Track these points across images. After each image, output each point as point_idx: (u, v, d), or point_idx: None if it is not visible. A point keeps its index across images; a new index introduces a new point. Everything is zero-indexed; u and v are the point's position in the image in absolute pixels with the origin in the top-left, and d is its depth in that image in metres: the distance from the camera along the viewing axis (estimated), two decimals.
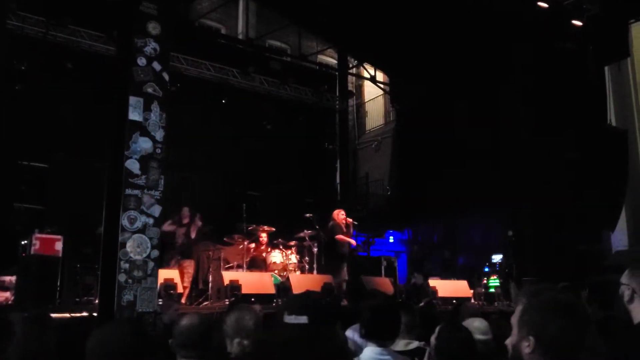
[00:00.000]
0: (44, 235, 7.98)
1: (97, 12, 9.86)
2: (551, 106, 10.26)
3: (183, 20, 11.84)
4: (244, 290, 8.07)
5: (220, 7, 14.75)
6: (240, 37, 15.10)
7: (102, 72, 9.01)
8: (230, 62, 12.35)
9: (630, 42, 12.43)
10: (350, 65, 14.92)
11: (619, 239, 14.88)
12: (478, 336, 3.70)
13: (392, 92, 14.58)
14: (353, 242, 10.20)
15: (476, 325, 3.73)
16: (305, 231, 10.47)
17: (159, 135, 6.26)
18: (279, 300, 8.19)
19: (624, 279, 2.48)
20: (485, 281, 11.80)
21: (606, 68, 11.89)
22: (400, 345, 3.72)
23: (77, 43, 10.36)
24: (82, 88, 9.90)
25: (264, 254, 9.90)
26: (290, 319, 1.82)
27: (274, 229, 10.19)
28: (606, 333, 3.47)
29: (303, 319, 1.82)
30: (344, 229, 9.98)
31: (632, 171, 12.91)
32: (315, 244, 10.45)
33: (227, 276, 8.37)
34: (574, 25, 9.91)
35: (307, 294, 2.04)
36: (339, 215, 10.10)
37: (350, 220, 10.20)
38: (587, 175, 10.06)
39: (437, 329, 3.54)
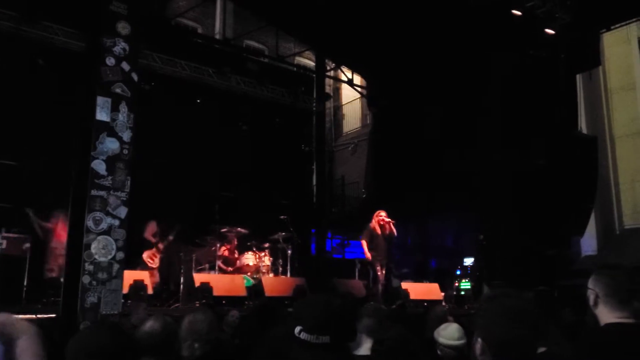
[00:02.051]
0: (11, 235, 7.86)
1: (70, 8, 9.71)
2: (523, 113, 10.40)
3: (159, 19, 11.72)
4: (216, 293, 8.04)
5: (197, 6, 14.67)
6: (217, 36, 15.02)
7: (75, 69, 8.87)
8: (206, 62, 12.24)
9: (601, 51, 12.69)
10: (328, 68, 14.93)
11: (588, 243, 15.19)
12: (449, 342, 3.70)
13: (369, 96, 14.63)
14: (367, 255, 9.75)
15: (444, 333, 3.72)
16: (280, 233, 10.46)
17: (127, 136, 6.20)
18: (250, 302, 8.17)
19: (590, 283, 2.53)
20: (457, 284, 11.93)
21: (578, 76, 12.11)
22: (365, 349, 3.72)
23: (50, 39, 10.20)
24: (53, 85, 9.75)
25: (236, 256, 9.86)
26: (308, 337, 1.62)
27: (247, 231, 10.16)
28: (575, 337, 3.53)
29: (325, 339, 1.62)
30: (378, 231, 9.77)
31: (601, 177, 13.18)
32: (290, 246, 10.45)
33: (198, 278, 8.32)
34: (547, 34, 10.06)
35: (328, 304, 1.70)
36: (377, 216, 9.90)
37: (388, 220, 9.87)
38: (557, 181, 10.21)
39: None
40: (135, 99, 6.35)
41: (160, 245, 9.40)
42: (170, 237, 9.48)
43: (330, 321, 1.63)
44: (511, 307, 1.77)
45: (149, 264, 9.24)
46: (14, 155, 9.49)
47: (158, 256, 9.35)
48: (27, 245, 7.88)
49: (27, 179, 9.14)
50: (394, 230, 9.80)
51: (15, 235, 7.93)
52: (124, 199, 6.10)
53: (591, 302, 2.46)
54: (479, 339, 1.78)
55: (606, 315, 2.41)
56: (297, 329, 1.63)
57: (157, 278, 9.02)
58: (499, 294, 1.86)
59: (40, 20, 9.91)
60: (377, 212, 10.02)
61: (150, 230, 9.48)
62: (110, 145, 6.08)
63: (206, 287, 8.00)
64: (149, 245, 9.35)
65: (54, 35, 10.21)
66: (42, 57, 10.06)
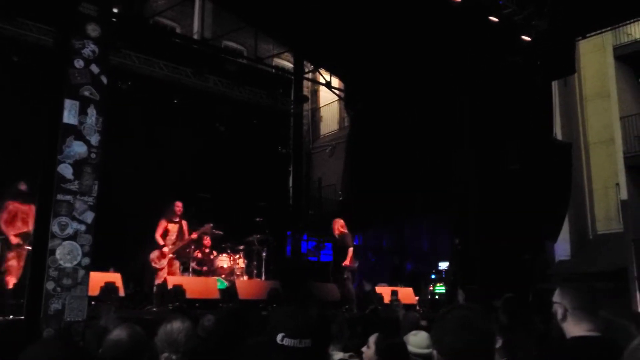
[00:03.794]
0: None
1: (42, 6, 9.57)
2: (498, 118, 10.49)
3: (136, 17, 11.59)
4: (189, 295, 7.96)
5: (176, 5, 14.55)
6: (195, 36, 14.92)
7: (48, 67, 8.73)
8: (184, 62, 12.13)
9: (577, 59, 12.85)
10: (306, 70, 14.93)
11: (562, 248, 15.41)
12: (417, 350, 3.71)
13: (346, 98, 14.65)
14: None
15: (413, 341, 3.73)
16: (255, 235, 10.40)
17: (95, 139, 6.08)
18: (224, 305, 8.09)
19: (556, 297, 2.54)
20: (431, 288, 11.99)
21: (553, 82, 12.25)
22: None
23: (24, 36, 10.03)
24: (26, 82, 9.59)
25: (211, 258, 9.78)
26: (291, 342, 1.63)
27: (222, 233, 10.08)
28: (545, 347, 3.55)
29: (307, 342, 1.65)
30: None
31: (575, 183, 13.35)
32: (265, 248, 10.40)
33: (171, 280, 8.24)
34: (524, 40, 10.15)
35: (306, 310, 1.76)
36: (336, 223, 10.08)
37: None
38: (531, 187, 10.31)
39: (370, 340, 3.54)
40: (104, 102, 6.23)
41: (172, 246, 9.32)
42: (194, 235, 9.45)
43: (311, 325, 1.67)
44: (462, 317, 1.82)
45: (154, 264, 9.16)
46: None
47: (166, 257, 9.26)
48: None
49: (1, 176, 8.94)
50: (349, 242, 9.90)
51: None
52: (91, 203, 5.97)
53: (559, 316, 2.47)
54: (434, 350, 1.84)
55: (573, 328, 2.43)
56: (279, 336, 1.64)
57: (160, 280, 8.94)
58: (454, 307, 1.92)
59: (15, 16, 9.75)
60: (336, 220, 10.21)
61: (161, 230, 9.38)
62: (78, 149, 5.94)
63: (179, 290, 7.91)
64: (157, 246, 9.30)
65: (28, 32, 10.05)
66: (16, 54, 9.92)
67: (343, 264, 9.64)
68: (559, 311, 2.48)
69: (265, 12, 11.50)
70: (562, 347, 2.47)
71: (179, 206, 9.55)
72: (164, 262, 9.25)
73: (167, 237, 9.39)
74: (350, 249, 9.75)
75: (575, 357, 2.36)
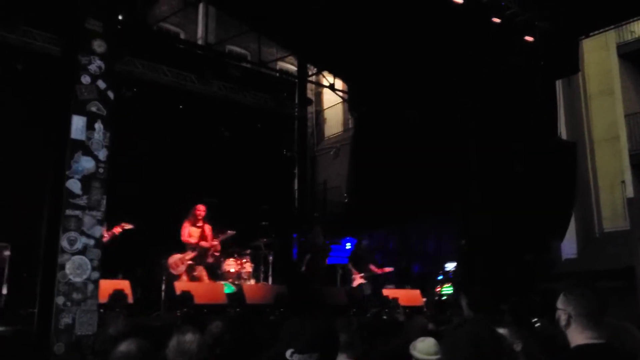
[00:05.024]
0: None
1: (48, 17, 9.62)
2: (502, 119, 10.49)
3: (141, 24, 11.65)
4: (197, 301, 7.98)
5: (179, 11, 14.62)
6: (199, 42, 14.97)
7: (54, 75, 8.77)
8: (188, 67, 12.19)
9: (580, 57, 12.84)
10: (310, 73, 14.96)
11: (569, 247, 15.37)
12: (425, 357, 3.66)
13: (350, 100, 14.67)
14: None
15: (420, 347, 3.69)
16: (262, 239, 10.44)
17: (102, 154, 6.14)
18: (231, 310, 8.13)
19: (560, 303, 2.49)
20: (438, 289, 11.97)
21: (557, 81, 12.24)
22: None
23: (29, 44, 10.09)
24: (31, 91, 9.63)
25: (218, 262, 9.80)
26: (299, 357, 1.70)
27: (234, 232, 10.07)
28: (552, 350, 3.54)
29: (315, 357, 1.72)
30: None
31: (581, 182, 13.35)
32: (271, 252, 10.43)
33: (179, 286, 8.26)
34: (526, 41, 10.16)
35: (315, 324, 1.83)
36: None
37: None
38: (537, 187, 10.30)
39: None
40: (111, 118, 6.30)
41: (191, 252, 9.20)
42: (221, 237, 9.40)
43: (319, 339, 1.74)
44: (472, 333, 1.85)
45: (172, 270, 9.02)
46: None
47: (185, 263, 9.13)
48: (7, 253, 7.79)
49: (5, 185, 9.00)
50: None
51: None
52: (100, 218, 6.04)
53: (563, 322, 2.43)
54: None
55: (577, 335, 2.40)
56: (289, 352, 1.72)
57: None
58: (464, 321, 1.92)
59: (20, 25, 9.81)
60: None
61: (186, 233, 9.27)
62: (86, 164, 6.01)
63: (187, 296, 7.94)
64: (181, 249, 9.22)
65: (33, 40, 10.10)
66: (20, 63, 9.96)
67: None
68: (562, 317, 2.45)
69: (269, 16, 11.53)
70: (568, 356, 2.46)
71: (200, 209, 9.37)
72: (183, 267, 9.09)
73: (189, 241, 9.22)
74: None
75: None
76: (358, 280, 10.60)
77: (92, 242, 5.94)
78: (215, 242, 9.39)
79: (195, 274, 9.20)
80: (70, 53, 6.33)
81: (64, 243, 5.73)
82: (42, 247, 5.95)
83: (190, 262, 9.19)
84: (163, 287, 8.95)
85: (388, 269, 11.04)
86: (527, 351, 3.27)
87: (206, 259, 9.45)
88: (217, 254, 9.79)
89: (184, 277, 9.04)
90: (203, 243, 9.31)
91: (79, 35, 6.22)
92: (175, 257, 9.15)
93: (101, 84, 6.21)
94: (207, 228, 9.45)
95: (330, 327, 1.87)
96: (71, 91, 6.00)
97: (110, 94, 6.27)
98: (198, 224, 9.37)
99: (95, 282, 5.90)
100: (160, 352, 3.39)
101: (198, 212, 9.35)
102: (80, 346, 5.41)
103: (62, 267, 5.73)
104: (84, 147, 6.06)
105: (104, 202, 6.09)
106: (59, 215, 5.77)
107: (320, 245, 11.43)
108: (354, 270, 10.73)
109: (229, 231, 9.59)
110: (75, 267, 5.74)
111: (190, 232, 9.32)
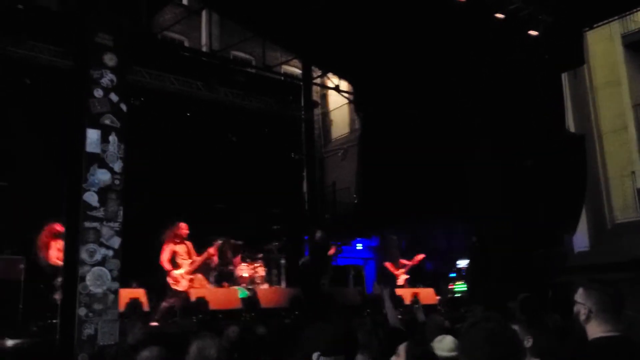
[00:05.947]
0: (4, 257, 7.82)
1: (55, 32, 9.71)
2: (510, 114, 10.48)
3: (145, 34, 11.72)
4: (211, 307, 8.04)
5: (183, 19, 14.69)
6: (204, 49, 15.05)
7: (62, 88, 8.85)
8: (194, 75, 12.27)
9: (585, 49, 12.80)
10: (315, 75, 15.00)
11: (580, 240, 15.28)
12: (445, 353, 3.71)
13: (356, 101, 14.69)
14: None
15: (441, 345, 3.73)
16: (273, 243, 10.49)
17: (118, 166, 6.23)
18: (246, 314, 8.17)
19: (580, 297, 2.49)
20: (451, 286, 11.98)
21: (563, 74, 12.21)
22: None
23: (36, 58, 10.17)
24: (40, 105, 9.72)
25: (231, 268, 9.86)
26: (326, 359, 1.79)
27: (240, 242, 10.15)
28: (567, 346, 3.55)
29: (340, 358, 1.83)
30: None
31: (591, 174, 13.28)
32: (284, 256, 10.47)
33: (194, 293, 8.31)
34: (530, 35, 10.14)
35: (334, 325, 1.94)
36: None
37: None
38: (547, 181, 10.29)
39: (399, 348, 3.53)
40: (125, 129, 6.38)
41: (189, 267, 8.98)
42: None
43: (341, 340, 1.85)
44: (488, 331, 1.86)
45: (174, 287, 8.75)
46: (6, 176, 9.44)
47: (185, 278, 8.92)
48: (22, 266, 7.85)
49: (19, 199, 9.09)
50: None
51: (9, 257, 7.90)
52: (117, 229, 6.13)
53: (582, 317, 2.44)
54: None
55: (595, 329, 2.42)
56: (315, 355, 1.79)
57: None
58: (480, 319, 1.94)
59: (26, 39, 9.89)
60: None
61: (169, 254, 9.01)
62: (102, 176, 6.10)
63: (202, 302, 8.00)
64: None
65: (40, 54, 10.18)
66: (28, 76, 10.05)
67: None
68: (582, 312, 2.45)
69: (272, 20, 11.57)
70: (586, 348, 2.48)
71: (183, 227, 9.13)
72: (185, 282, 8.83)
73: (179, 258, 8.97)
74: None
75: (599, 358, 2.38)
76: (402, 277, 10.68)
77: (110, 252, 6.04)
78: (212, 251, 9.20)
79: (197, 284, 9.03)
80: (81, 67, 6.41)
81: (84, 255, 5.81)
82: (63, 259, 6.01)
83: (190, 276, 8.99)
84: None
85: (420, 256, 10.99)
86: (538, 347, 3.28)
87: (206, 268, 9.38)
88: (213, 265, 9.69)
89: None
90: (197, 258, 9.13)
91: (90, 49, 6.29)
92: (174, 274, 8.87)
93: (114, 96, 6.30)
94: (189, 244, 9.20)
95: (350, 329, 1.96)
96: (84, 105, 6.07)
97: (123, 107, 6.36)
98: (181, 242, 9.10)
99: (115, 292, 5.99)
100: (180, 358, 3.44)
101: (181, 231, 9.10)
102: (103, 356, 5.47)
103: (83, 278, 5.82)
104: (99, 160, 6.16)
105: (121, 212, 6.17)
106: (77, 227, 5.84)
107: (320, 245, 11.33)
108: (392, 268, 10.73)
109: (215, 241, 9.37)
110: (95, 278, 5.83)
111: (176, 251, 8.99)
